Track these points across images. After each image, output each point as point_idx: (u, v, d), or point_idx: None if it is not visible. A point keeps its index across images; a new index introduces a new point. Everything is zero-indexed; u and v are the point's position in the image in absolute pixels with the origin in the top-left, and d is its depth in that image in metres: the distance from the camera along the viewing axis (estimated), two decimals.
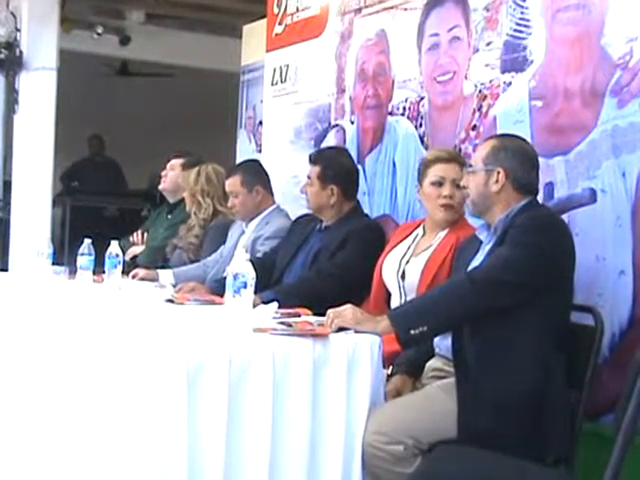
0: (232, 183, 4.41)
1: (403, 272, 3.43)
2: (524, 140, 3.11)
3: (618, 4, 3.33)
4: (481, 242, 3.01)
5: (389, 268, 3.50)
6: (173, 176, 5.23)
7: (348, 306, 2.83)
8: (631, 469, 2.24)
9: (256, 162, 4.75)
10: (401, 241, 3.57)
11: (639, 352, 2.33)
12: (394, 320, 2.74)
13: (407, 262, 3.45)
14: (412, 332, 2.70)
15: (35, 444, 2.76)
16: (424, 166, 3.50)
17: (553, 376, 2.74)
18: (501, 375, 2.73)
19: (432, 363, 3.12)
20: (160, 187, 5.34)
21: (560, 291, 2.82)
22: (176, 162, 5.25)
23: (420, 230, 3.55)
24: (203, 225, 4.81)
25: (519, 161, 2.96)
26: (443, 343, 3.01)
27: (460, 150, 4.02)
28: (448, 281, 2.99)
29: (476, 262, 2.95)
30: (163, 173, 5.28)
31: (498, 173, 2.93)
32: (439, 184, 3.41)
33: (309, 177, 3.88)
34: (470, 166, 3.06)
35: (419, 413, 2.81)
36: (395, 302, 3.45)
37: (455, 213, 3.42)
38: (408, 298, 3.37)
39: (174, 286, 4.08)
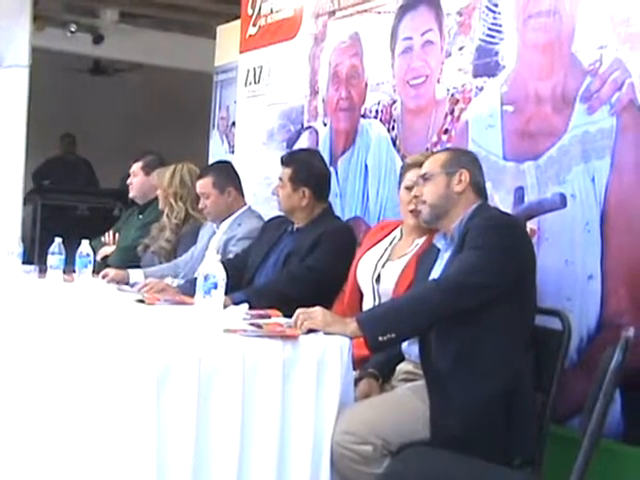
0: (204, 184, 4.39)
1: (378, 275, 3.43)
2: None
3: (588, 11, 3.36)
4: (439, 250, 3.03)
5: (364, 270, 3.50)
6: (137, 182, 5.22)
7: (317, 308, 2.83)
8: (596, 471, 2.26)
9: (227, 163, 4.74)
10: (378, 242, 3.56)
11: (606, 356, 2.35)
12: (363, 326, 2.75)
13: (383, 266, 3.44)
14: (380, 339, 2.71)
15: (3, 445, 2.75)
16: (403, 170, 3.52)
17: (521, 378, 2.76)
18: (469, 378, 2.74)
19: (403, 366, 3.12)
20: (130, 196, 5.32)
21: (524, 291, 2.84)
22: (136, 167, 5.23)
23: (397, 232, 3.54)
24: (175, 230, 4.78)
25: (477, 166, 3.06)
26: (412, 349, 3.02)
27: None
28: (417, 288, 2.97)
29: (437, 270, 2.97)
30: (128, 181, 5.27)
31: (461, 174, 2.98)
32: (412, 189, 3.36)
33: (281, 179, 3.88)
34: (424, 175, 3.06)
35: (388, 414, 2.81)
36: (368, 304, 3.44)
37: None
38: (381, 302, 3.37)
39: (131, 286, 4.06)
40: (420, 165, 3.35)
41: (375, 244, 3.56)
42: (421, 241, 3.40)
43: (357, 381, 3.04)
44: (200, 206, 4.45)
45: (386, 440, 2.72)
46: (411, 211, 3.39)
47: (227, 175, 4.45)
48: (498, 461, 2.65)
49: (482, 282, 2.74)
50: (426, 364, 2.88)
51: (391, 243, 3.51)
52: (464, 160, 3.04)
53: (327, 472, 2.70)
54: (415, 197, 3.11)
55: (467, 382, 2.74)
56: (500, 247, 2.79)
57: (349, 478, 2.74)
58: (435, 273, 2.98)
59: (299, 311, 2.82)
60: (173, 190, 4.79)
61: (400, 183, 3.53)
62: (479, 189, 3.02)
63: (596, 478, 2.32)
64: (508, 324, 2.77)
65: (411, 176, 3.41)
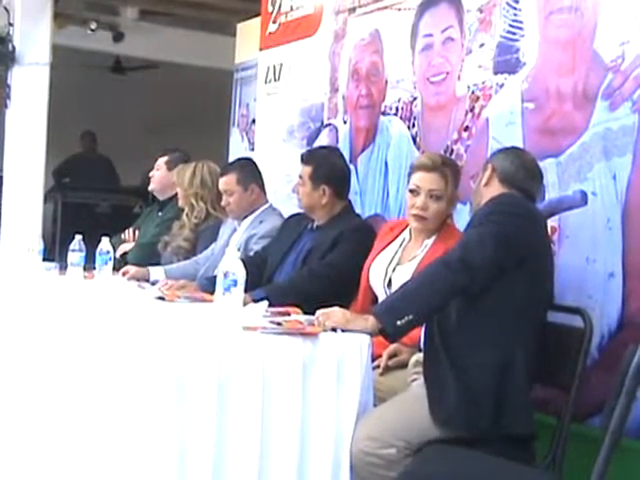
0: (227, 182, 4.38)
1: (389, 280, 3.40)
2: (528, 153, 3.20)
3: (610, 7, 3.34)
4: None
5: (376, 274, 3.47)
6: (159, 176, 5.23)
7: (336, 308, 2.85)
8: (617, 470, 2.25)
9: (250, 160, 4.72)
10: (388, 245, 3.52)
11: (628, 354, 2.34)
12: (380, 315, 2.77)
13: (393, 270, 3.41)
14: (399, 323, 2.72)
15: (19, 444, 2.76)
16: (410, 170, 3.47)
17: (515, 352, 2.77)
18: (461, 349, 2.79)
19: (417, 357, 3.12)
20: (149, 188, 5.33)
21: (525, 273, 2.82)
22: (161, 161, 5.25)
23: (407, 234, 3.50)
24: (194, 229, 4.79)
25: (510, 160, 3.06)
26: None
27: (452, 151, 4.03)
28: (425, 268, 2.97)
29: None
30: (150, 174, 5.28)
31: (487, 169, 3.06)
32: (415, 193, 3.36)
33: (301, 177, 3.88)
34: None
35: (406, 415, 2.82)
36: None
37: (427, 224, 3.37)
38: None
39: (152, 283, 4.07)
40: (426, 169, 3.35)
41: (385, 247, 3.53)
42: (430, 242, 3.37)
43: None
44: (223, 203, 4.44)
45: (407, 441, 2.74)
46: (412, 215, 3.37)
47: (250, 172, 4.44)
48: (518, 459, 2.65)
49: (483, 257, 2.76)
50: (427, 337, 2.91)
51: (401, 245, 3.48)
52: (496, 155, 3.14)
53: (347, 471, 2.70)
54: (419, 207, 3.31)
55: (459, 353, 2.78)
56: (500, 223, 2.82)
57: None
58: None
59: (319, 312, 2.84)
60: (194, 190, 4.78)
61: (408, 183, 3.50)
62: (504, 177, 3.03)
63: (617, 477, 2.30)
64: (505, 300, 2.79)
65: (415, 179, 3.39)
